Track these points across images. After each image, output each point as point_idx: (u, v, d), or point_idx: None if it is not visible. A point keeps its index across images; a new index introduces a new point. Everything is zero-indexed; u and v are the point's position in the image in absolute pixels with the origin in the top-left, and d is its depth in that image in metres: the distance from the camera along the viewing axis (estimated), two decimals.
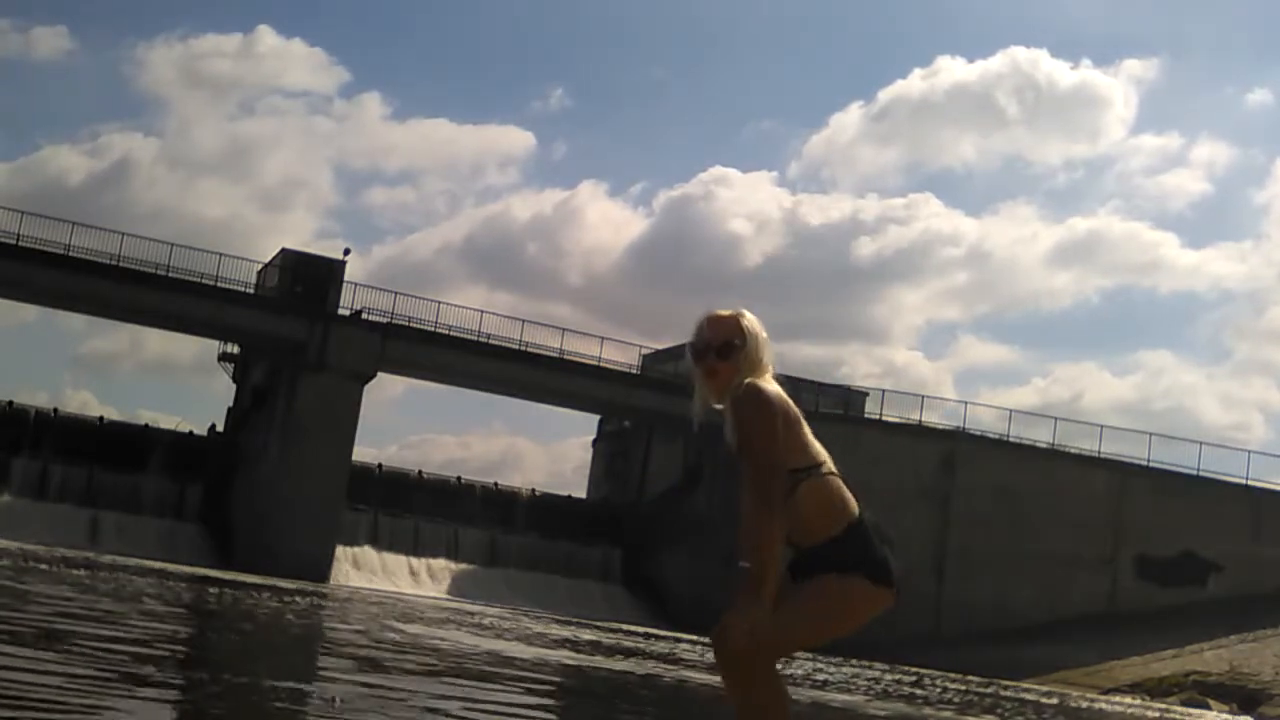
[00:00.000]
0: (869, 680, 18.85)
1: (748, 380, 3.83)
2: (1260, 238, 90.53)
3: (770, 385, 3.83)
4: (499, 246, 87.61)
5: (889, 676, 21.59)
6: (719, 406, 3.91)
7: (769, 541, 3.67)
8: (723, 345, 3.91)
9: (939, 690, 18.84)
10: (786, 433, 3.78)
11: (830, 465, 3.83)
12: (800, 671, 17.47)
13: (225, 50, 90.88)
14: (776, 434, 3.74)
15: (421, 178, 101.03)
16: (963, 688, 21.61)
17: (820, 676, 17.23)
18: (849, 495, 3.81)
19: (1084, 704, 23.48)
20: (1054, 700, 22.56)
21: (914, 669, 27.37)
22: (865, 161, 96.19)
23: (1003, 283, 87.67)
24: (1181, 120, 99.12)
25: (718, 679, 3.90)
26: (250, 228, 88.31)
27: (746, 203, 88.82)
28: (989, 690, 22.25)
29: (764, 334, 3.96)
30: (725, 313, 3.99)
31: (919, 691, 17.43)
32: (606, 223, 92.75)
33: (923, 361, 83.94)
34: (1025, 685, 28.57)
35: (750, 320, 3.97)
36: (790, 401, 3.84)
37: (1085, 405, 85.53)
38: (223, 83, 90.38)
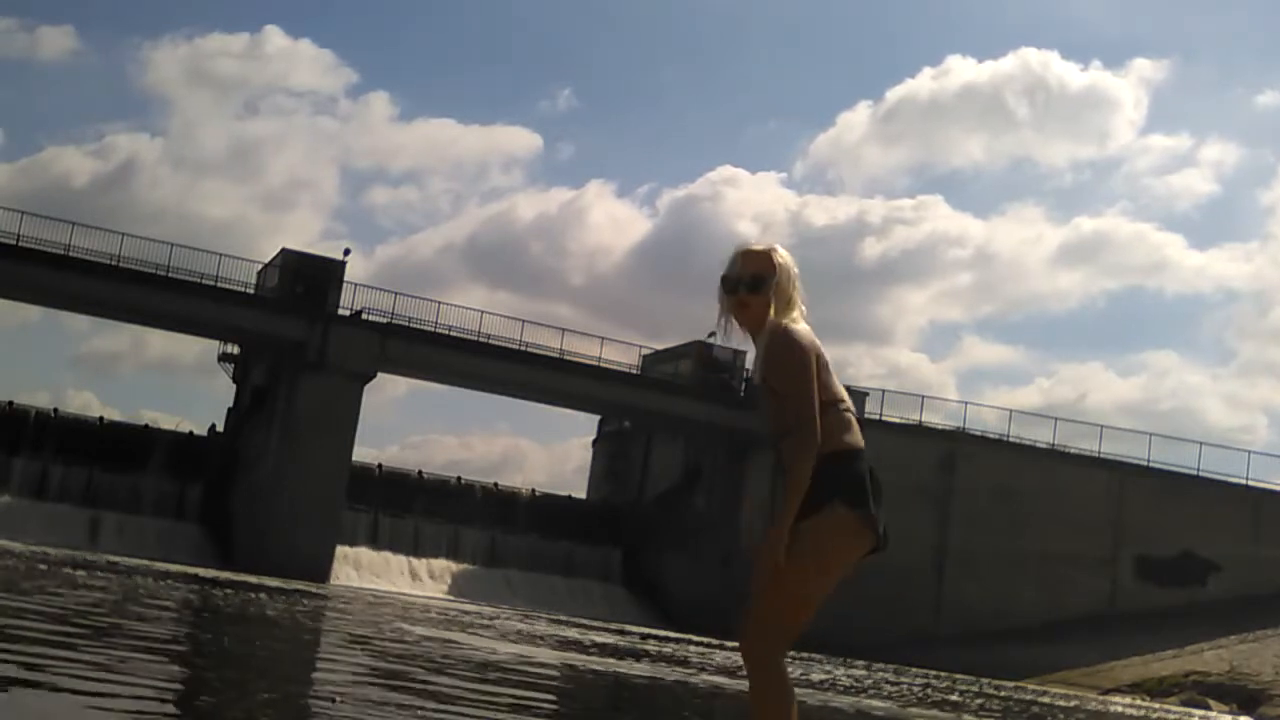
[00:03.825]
0: (887, 684, 18.85)
1: (780, 322, 3.94)
2: (1266, 238, 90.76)
3: (800, 325, 3.95)
4: (501, 246, 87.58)
5: (900, 679, 21.60)
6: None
7: (798, 474, 3.80)
8: (753, 278, 4.02)
9: (967, 696, 18.84)
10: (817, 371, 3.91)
11: (849, 404, 3.99)
12: (819, 676, 17.50)
13: (232, 50, 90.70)
14: (810, 374, 3.87)
15: (427, 178, 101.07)
16: (976, 689, 21.62)
17: (844, 681, 17.26)
18: (857, 431, 3.97)
19: (1117, 709, 23.52)
20: (1074, 704, 22.55)
21: (918, 670, 27.42)
22: (872, 163, 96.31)
23: (1008, 283, 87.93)
24: (1191, 121, 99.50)
25: (746, 684, 3.90)
26: (255, 228, 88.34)
27: (753, 203, 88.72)
28: (1019, 695, 22.24)
29: (795, 270, 4.06)
30: (759, 247, 4.10)
31: (950, 697, 17.42)
32: (610, 223, 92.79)
33: (926, 363, 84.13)
34: (1031, 686, 28.61)
35: (782, 255, 4.07)
36: (818, 341, 3.96)
37: (1090, 406, 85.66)
38: (229, 83, 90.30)
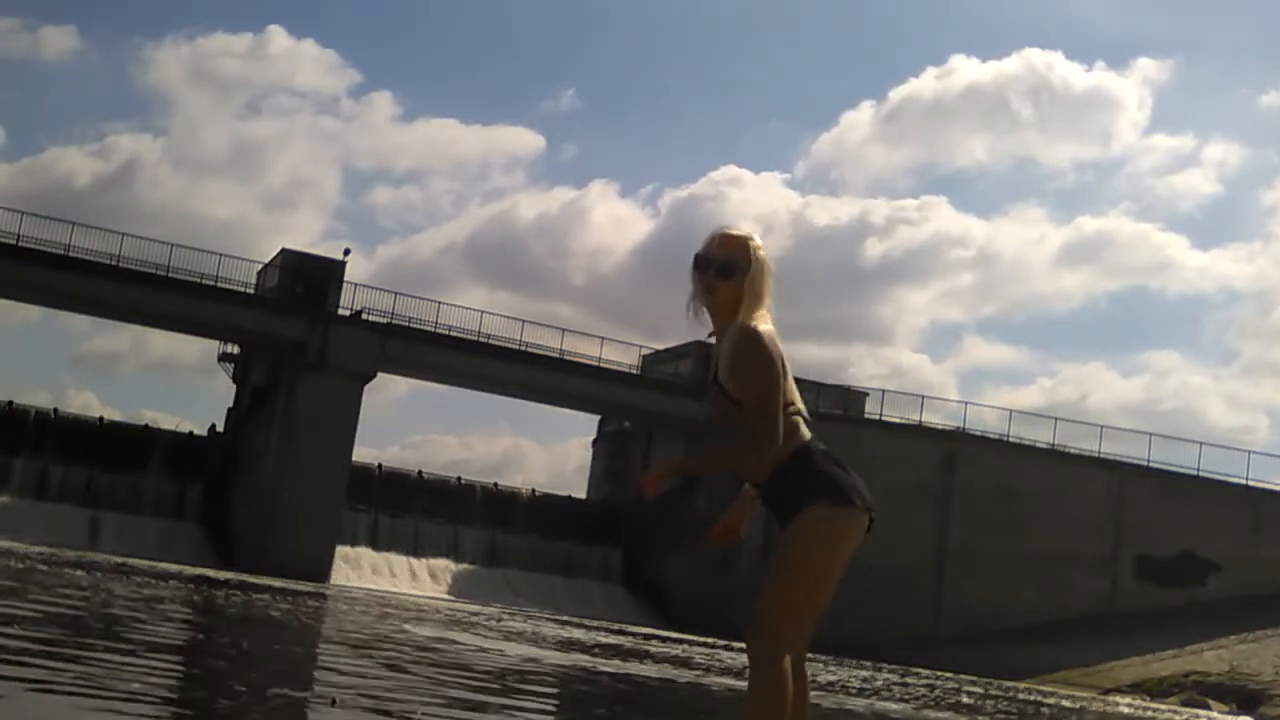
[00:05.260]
0: (895, 686, 18.85)
1: (749, 323, 3.88)
2: (1269, 238, 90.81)
3: (766, 326, 3.90)
4: (503, 246, 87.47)
5: (906, 680, 21.60)
6: (710, 333, 4.02)
7: (730, 460, 3.88)
8: (724, 264, 3.96)
9: (975, 697, 18.84)
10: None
11: (799, 406, 3.95)
12: (826, 678, 17.48)
13: (235, 50, 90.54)
14: (776, 382, 3.84)
15: (429, 178, 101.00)
16: (983, 690, 21.63)
17: (852, 682, 17.25)
18: (804, 428, 3.93)
19: (1123, 710, 23.56)
20: (1080, 705, 22.57)
21: (921, 671, 27.43)
22: (875, 163, 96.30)
23: (1010, 284, 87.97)
24: (1194, 121, 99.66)
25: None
26: (256, 228, 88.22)
27: (755, 203, 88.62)
28: (1027, 696, 22.26)
29: (770, 264, 4.01)
30: (737, 233, 4.04)
31: (962, 699, 17.45)
32: (612, 223, 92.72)
33: (927, 363, 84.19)
34: (1035, 686, 28.63)
35: (758, 246, 4.00)
36: (779, 341, 3.91)
37: (1092, 406, 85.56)
38: (231, 83, 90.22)
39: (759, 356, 3.84)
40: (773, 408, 3.80)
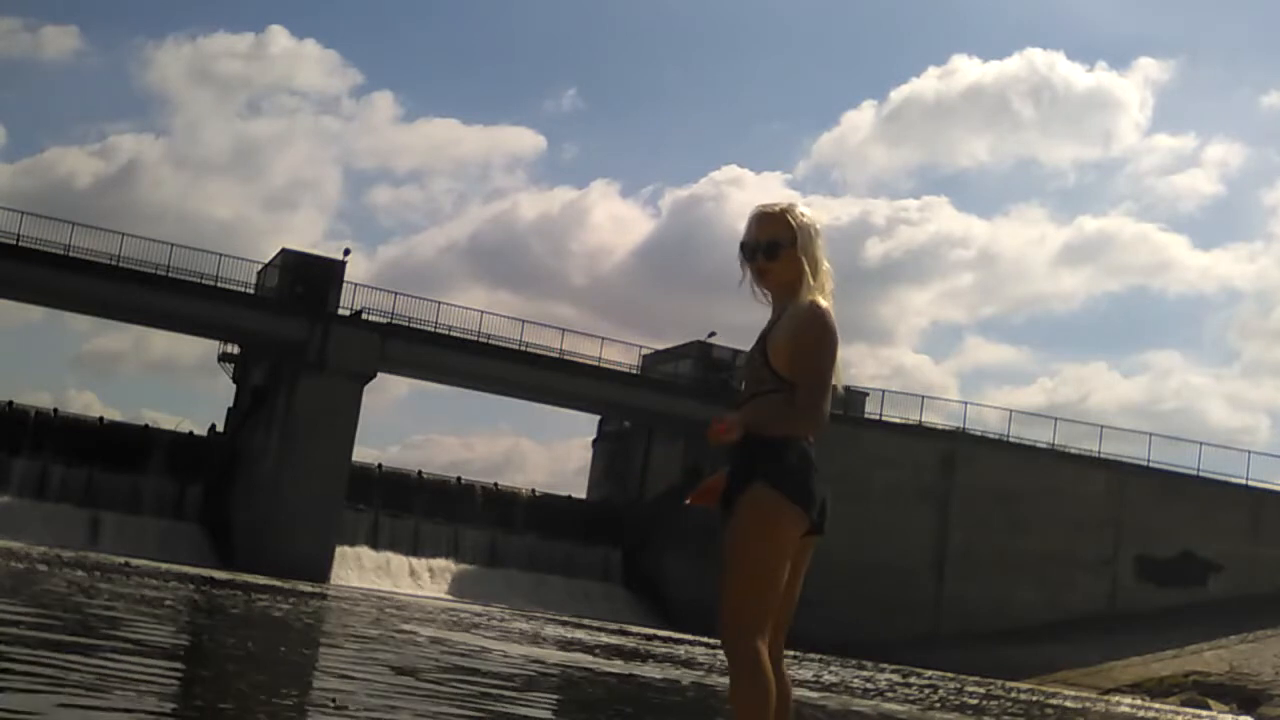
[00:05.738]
0: (898, 687, 18.86)
1: (819, 303, 3.80)
2: (1270, 238, 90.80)
3: (827, 303, 3.81)
4: (503, 246, 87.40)
5: (909, 680, 21.60)
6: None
7: (772, 419, 3.72)
8: (769, 244, 3.88)
9: (979, 698, 18.86)
10: None
11: None
12: (830, 678, 17.48)
13: (236, 50, 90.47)
14: (832, 368, 3.76)
15: (430, 178, 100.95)
16: (985, 691, 21.64)
17: (855, 683, 17.25)
18: None
19: (1124, 710, 23.57)
20: (1083, 705, 22.60)
21: (922, 671, 27.43)
22: (877, 163, 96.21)
23: (1011, 284, 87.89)
24: (1196, 121, 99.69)
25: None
26: (257, 228, 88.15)
27: (756, 204, 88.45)
28: (1030, 697, 22.27)
29: (815, 225, 3.91)
30: (774, 209, 3.94)
31: (966, 700, 17.45)
32: (612, 222, 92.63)
33: (929, 363, 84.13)
34: (1037, 687, 28.65)
35: (800, 214, 3.91)
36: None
37: (1092, 406, 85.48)
38: (232, 83, 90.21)
39: (827, 339, 3.78)
40: (825, 392, 3.75)
